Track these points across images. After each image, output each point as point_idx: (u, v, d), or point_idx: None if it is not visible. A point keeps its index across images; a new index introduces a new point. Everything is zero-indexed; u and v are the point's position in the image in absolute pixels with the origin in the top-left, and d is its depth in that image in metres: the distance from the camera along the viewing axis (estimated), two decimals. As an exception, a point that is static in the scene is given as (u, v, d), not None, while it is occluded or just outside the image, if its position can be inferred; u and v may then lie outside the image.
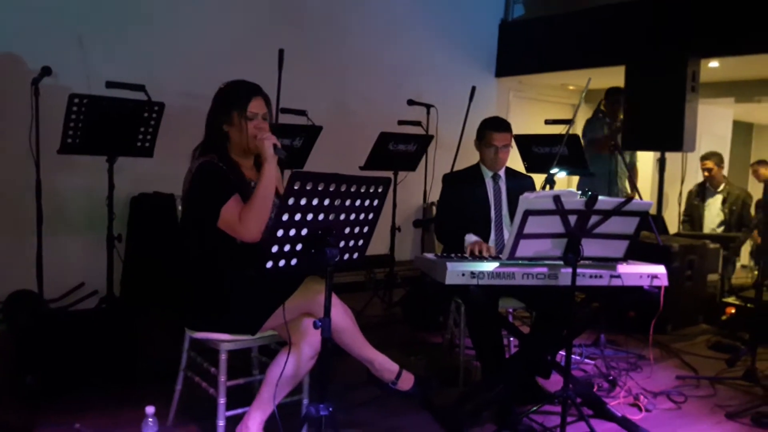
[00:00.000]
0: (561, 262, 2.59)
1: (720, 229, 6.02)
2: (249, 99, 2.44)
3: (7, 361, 3.29)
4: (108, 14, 4.59)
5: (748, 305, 4.57)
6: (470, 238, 3.12)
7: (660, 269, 2.79)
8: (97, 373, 3.08)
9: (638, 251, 2.80)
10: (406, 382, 2.57)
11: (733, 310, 4.65)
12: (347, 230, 2.18)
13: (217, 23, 5.08)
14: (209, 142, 2.48)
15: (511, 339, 3.57)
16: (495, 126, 3.32)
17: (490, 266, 2.61)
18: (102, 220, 3.78)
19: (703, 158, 6.11)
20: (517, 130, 4.11)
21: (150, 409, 2.21)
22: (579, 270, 2.59)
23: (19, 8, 4.23)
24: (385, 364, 2.54)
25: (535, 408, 2.87)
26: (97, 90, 3.68)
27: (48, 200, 3.65)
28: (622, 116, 5.12)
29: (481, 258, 2.83)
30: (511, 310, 3.61)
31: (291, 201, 1.96)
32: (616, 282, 2.72)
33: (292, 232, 2.03)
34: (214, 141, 2.47)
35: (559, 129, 4.35)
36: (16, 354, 3.12)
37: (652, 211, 4.66)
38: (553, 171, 4.01)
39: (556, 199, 2.44)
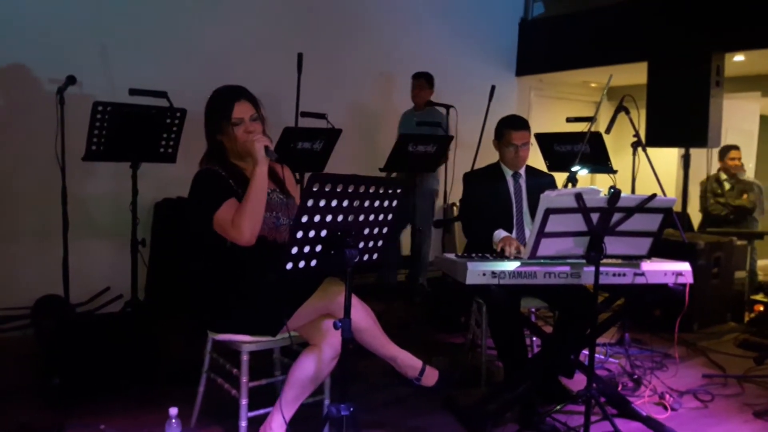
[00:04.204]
0: (583, 261, 2.57)
1: None
2: (231, 105, 2.43)
3: (34, 364, 3.36)
4: (130, 23, 4.65)
5: (777, 303, 4.49)
6: (500, 234, 3.11)
7: (685, 266, 2.75)
8: (122, 376, 3.12)
9: (663, 249, 2.75)
10: (431, 377, 2.57)
11: (761, 308, 4.57)
12: (366, 231, 2.19)
13: (237, 29, 5.13)
14: (210, 152, 2.53)
15: (534, 338, 3.54)
16: (513, 124, 3.29)
17: (511, 266, 2.60)
18: (126, 225, 3.84)
19: (735, 149, 6.05)
20: (538, 128, 4.08)
21: (173, 411, 2.23)
22: (602, 268, 2.56)
23: (44, 19, 4.31)
24: (408, 361, 2.54)
25: (558, 407, 2.84)
26: (121, 97, 3.73)
27: (73, 206, 3.71)
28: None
29: (502, 257, 2.81)
30: (533, 310, 3.58)
31: (310, 202, 1.97)
32: (640, 280, 2.69)
33: (312, 233, 2.04)
34: (213, 151, 2.51)
35: (580, 127, 4.32)
36: (44, 357, 3.19)
37: (677, 207, 4.61)
38: (575, 169, 3.98)
39: (578, 196, 2.41)
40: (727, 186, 6.05)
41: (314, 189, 1.95)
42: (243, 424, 2.45)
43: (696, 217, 6.17)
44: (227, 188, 2.42)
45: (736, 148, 6.10)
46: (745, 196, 5.91)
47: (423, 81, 5.36)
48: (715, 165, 6.27)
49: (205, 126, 2.51)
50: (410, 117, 5.36)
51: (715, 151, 6.13)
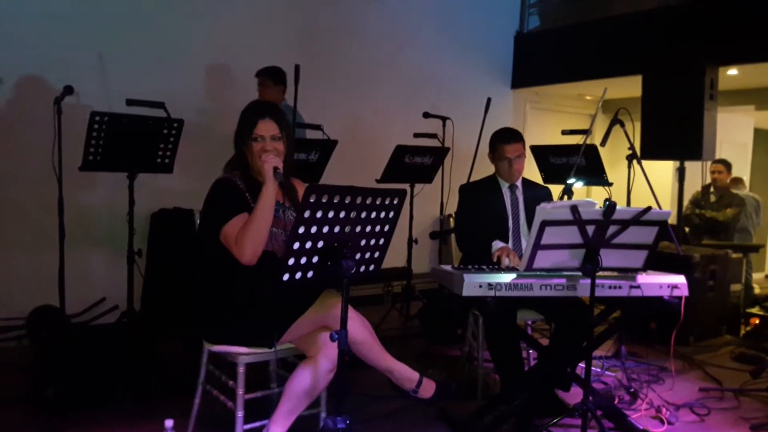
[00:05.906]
0: (579, 273, 2.57)
1: None
2: (255, 122, 2.47)
3: (29, 375, 3.34)
4: (128, 33, 4.66)
5: (773, 315, 4.50)
6: (497, 244, 3.12)
7: (680, 279, 2.76)
8: (117, 387, 3.10)
9: (659, 262, 2.76)
10: (427, 389, 2.56)
11: (757, 321, 4.58)
12: (363, 242, 2.19)
13: (234, 41, 5.14)
14: (236, 160, 2.55)
15: (530, 351, 3.54)
16: (505, 138, 3.32)
17: (507, 277, 2.60)
18: (123, 235, 3.83)
19: (718, 162, 6.11)
20: (534, 140, 4.08)
21: (169, 423, 2.21)
22: (598, 281, 2.56)
23: (42, 30, 4.32)
24: (404, 373, 2.54)
25: (554, 421, 2.84)
26: (118, 108, 3.74)
27: (70, 216, 3.71)
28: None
29: (498, 269, 2.81)
30: (529, 322, 3.58)
31: (307, 214, 1.97)
32: (635, 292, 2.69)
33: (308, 244, 2.04)
34: (239, 160, 2.54)
35: (576, 139, 4.34)
36: (39, 367, 3.17)
37: (672, 220, 4.62)
38: (570, 181, 4.00)
39: (574, 209, 2.42)
40: (712, 198, 6.06)
41: (311, 200, 1.95)
42: (238, 436, 2.43)
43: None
44: (241, 202, 2.43)
45: (720, 162, 6.09)
46: (729, 210, 5.90)
47: (265, 78, 4.51)
48: (710, 178, 6.31)
49: (235, 135, 2.55)
50: None
51: (710, 164, 6.17)
